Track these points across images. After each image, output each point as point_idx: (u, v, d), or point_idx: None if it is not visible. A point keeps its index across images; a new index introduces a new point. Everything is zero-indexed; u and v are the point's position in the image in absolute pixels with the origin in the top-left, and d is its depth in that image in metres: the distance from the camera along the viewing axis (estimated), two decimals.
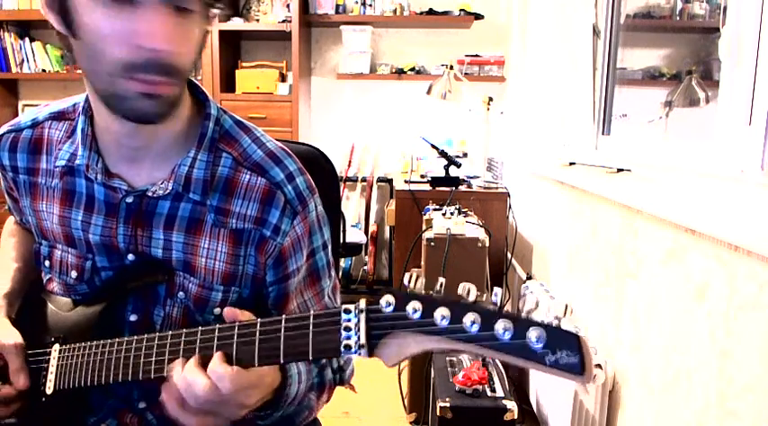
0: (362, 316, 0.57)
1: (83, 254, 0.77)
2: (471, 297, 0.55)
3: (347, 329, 0.58)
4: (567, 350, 0.48)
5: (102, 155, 0.75)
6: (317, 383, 0.81)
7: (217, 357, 0.62)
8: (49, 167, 0.79)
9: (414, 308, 0.55)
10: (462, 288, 0.56)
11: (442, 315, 0.53)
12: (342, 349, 0.57)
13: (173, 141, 0.74)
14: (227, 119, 0.79)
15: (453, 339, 0.53)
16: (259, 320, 0.63)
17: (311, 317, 0.60)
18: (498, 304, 0.54)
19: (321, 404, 0.84)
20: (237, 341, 0.62)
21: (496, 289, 0.58)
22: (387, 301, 0.56)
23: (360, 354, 0.57)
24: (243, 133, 0.79)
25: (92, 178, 0.75)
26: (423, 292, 0.56)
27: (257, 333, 0.62)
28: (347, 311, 0.58)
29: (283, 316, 0.62)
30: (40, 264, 0.82)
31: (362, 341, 0.57)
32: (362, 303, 0.58)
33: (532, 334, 0.50)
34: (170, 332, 0.67)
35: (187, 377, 0.61)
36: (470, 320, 0.52)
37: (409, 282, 0.58)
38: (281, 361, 0.61)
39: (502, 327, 0.51)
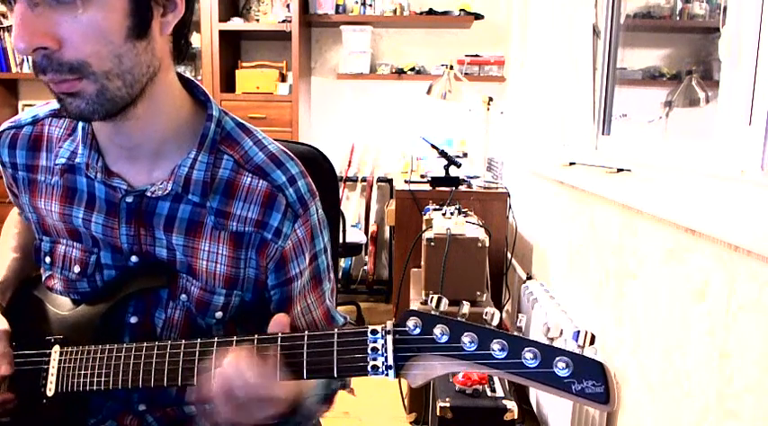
0: (389, 338, 0.58)
1: (88, 248, 0.77)
2: (495, 322, 0.56)
3: (374, 350, 0.58)
4: (593, 381, 0.50)
5: (102, 153, 0.75)
6: (325, 394, 0.81)
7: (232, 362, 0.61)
8: (48, 164, 0.78)
9: (441, 332, 0.56)
10: (486, 312, 0.57)
11: (469, 339, 0.54)
12: (369, 369, 0.58)
13: (170, 140, 0.74)
14: (229, 121, 0.79)
15: (480, 364, 0.54)
16: (280, 335, 0.63)
17: (335, 335, 0.60)
18: (523, 329, 0.55)
19: (323, 412, 0.84)
20: (258, 355, 0.62)
21: (521, 316, 0.59)
22: (414, 323, 0.57)
23: (387, 375, 0.57)
24: (244, 135, 0.79)
25: (92, 177, 0.75)
26: (448, 316, 0.57)
27: (278, 348, 0.62)
28: (374, 332, 0.58)
29: (306, 333, 0.61)
30: (40, 261, 0.81)
31: (390, 362, 0.57)
32: (389, 324, 0.58)
33: (559, 363, 0.51)
34: (183, 342, 0.67)
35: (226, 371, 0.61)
36: (498, 346, 0.53)
37: (431, 303, 0.58)
38: (305, 378, 0.61)
39: (530, 355, 0.52)
